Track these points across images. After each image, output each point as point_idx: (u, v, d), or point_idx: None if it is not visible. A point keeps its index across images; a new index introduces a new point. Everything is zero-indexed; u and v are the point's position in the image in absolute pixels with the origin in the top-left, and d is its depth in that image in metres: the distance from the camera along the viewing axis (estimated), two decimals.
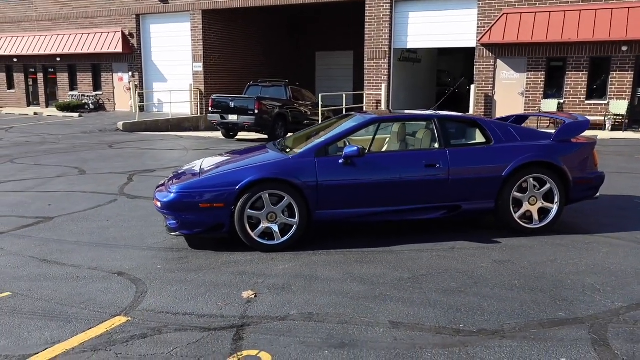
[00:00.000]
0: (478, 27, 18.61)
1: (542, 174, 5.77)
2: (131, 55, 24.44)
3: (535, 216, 5.86)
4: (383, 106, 20.34)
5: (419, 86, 24.90)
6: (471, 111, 18.79)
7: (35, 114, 24.03)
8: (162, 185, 5.90)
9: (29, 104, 27.60)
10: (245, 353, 3.39)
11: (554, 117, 6.70)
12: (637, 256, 5.10)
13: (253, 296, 4.30)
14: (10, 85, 28.13)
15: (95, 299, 4.26)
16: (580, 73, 17.53)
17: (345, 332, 3.65)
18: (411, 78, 23.64)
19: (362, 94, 21.16)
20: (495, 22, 18.10)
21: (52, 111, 24.53)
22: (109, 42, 24.26)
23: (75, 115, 22.95)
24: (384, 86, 20.22)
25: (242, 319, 3.88)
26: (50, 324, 3.82)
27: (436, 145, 5.82)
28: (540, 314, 3.90)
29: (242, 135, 17.84)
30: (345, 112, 19.70)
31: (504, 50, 18.34)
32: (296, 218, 5.41)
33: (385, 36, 20.05)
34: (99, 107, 25.36)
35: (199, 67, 23.27)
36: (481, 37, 18.26)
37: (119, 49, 23.93)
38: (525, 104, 18.37)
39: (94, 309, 4.08)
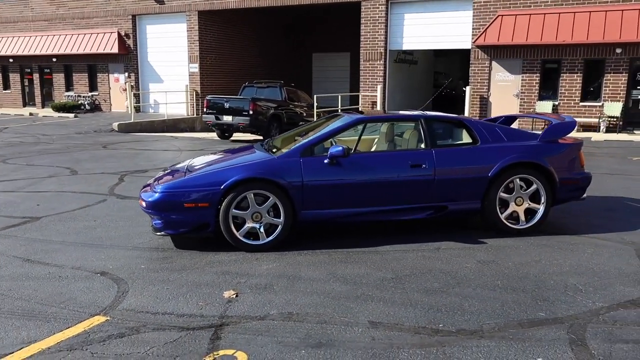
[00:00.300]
0: (473, 28, 18.64)
1: (529, 174, 5.77)
2: (127, 56, 24.43)
3: (522, 217, 5.85)
4: (378, 107, 20.35)
5: (415, 87, 24.92)
6: (466, 113, 18.80)
7: (31, 114, 24.00)
8: (148, 185, 5.88)
9: (24, 105, 27.57)
10: (221, 352, 3.38)
11: (541, 117, 6.71)
12: (622, 257, 5.10)
13: (234, 296, 4.29)
14: (6, 85, 28.10)
15: (75, 299, 4.24)
16: (575, 75, 17.56)
17: (323, 332, 3.64)
18: (407, 79, 23.66)
19: (358, 95, 21.14)
20: (490, 24, 18.12)
21: (48, 111, 24.50)
22: (105, 42, 24.24)
23: (71, 115, 22.92)
24: (379, 87, 20.23)
25: (221, 319, 3.87)
26: (28, 324, 3.80)
27: (422, 146, 5.81)
28: (520, 314, 3.89)
29: (237, 136, 17.83)
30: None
31: (499, 52, 18.36)
32: (281, 218, 5.40)
33: (381, 37, 20.06)
34: (95, 107, 25.33)
35: (195, 68, 23.26)
36: (476, 39, 18.28)
37: (115, 50, 23.92)
38: (520, 105, 18.39)
39: (73, 308, 4.06)
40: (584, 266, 4.86)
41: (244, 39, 25.34)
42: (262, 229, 5.40)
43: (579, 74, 17.49)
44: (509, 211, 5.82)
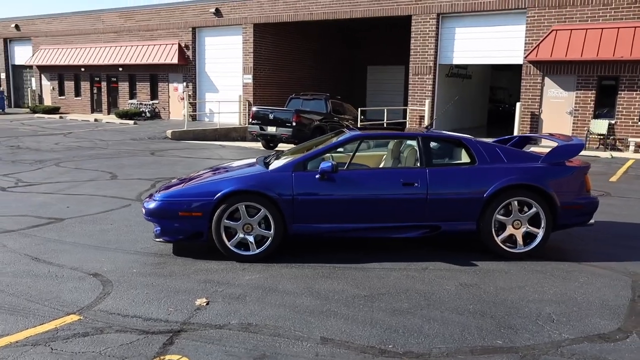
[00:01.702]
0: (526, 43, 18.15)
1: (527, 197, 5.62)
2: (186, 67, 25.46)
3: (520, 240, 5.70)
4: (426, 122, 20.16)
5: (469, 102, 24.49)
6: (516, 130, 18.29)
7: (96, 120, 25.43)
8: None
9: (92, 111, 29.26)
10: (167, 357, 3.54)
11: (549, 138, 6.50)
12: (614, 288, 4.87)
13: (204, 304, 4.45)
14: (77, 92, 29.93)
15: (60, 297, 4.55)
16: (634, 93, 16.72)
17: (271, 345, 3.73)
18: (460, 94, 23.28)
19: (407, 109, 21.03)
20: (543, 39, 17.59)
21: (112, 118, 25.89)
22: (167, 53, 25.38)
23: (131, 122, 24.10)
24: (427, 102, 20.04)
25: (182, 325, 4.04)
26: (9, 318, 4.12)
27: (417, 164, 5.79)
28: (476, 341, 3.82)
29: (282, 146, 18.16)
30: (385, 126, 19.69)
31: (552, 68, 17.77)
32: (272, 230, 5.54)
33: (431, 51, 19.90)
34: (155, 115, 26.52)
35: (249, 79, 23.91)
36: (528, 54, 17.79)
37: (175, 60, 24.98)
38: (573, 123, 17.69)
39: (54, 306, 4.36)
40: (567, 295, 4.69)
41: (298, 51, 25.81)
42: (252, 240, 5.56)
43: (638, 92, 16.64)
44: (505, 234, 5.68)
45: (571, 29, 17.35)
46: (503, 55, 19.14)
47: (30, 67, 32.03)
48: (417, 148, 5.84)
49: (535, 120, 18.32)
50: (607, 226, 7.17)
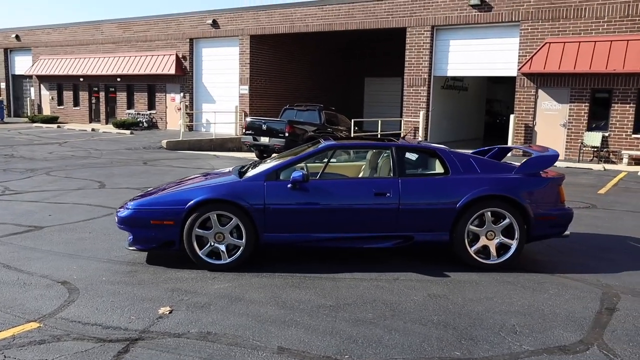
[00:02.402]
0: (519, 56, 18.21)
1: (501, 207, 5.60)
2: (183, 77, 25.59)
3: (494, 251, 5.67)
4: (420, 133, 20.18)
5: (465, 114, 24.53)
6: (510, 142, 18.30)
7: (93, 130, 25.52)
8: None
9: (90, 121, 29.38)
10: None
11: (527, 150, 6.48)
12: (583, 300, 4.83)
13: (167, 312, 4.43)
14: (76, 102, 30.08)
15: (23, 305, 4.53)
16: (627, 105, 16.73)
17: (227, 354, 3.70)
18: (456, 106, 23.33)
19: (402, 121, 21.07)
20: (537, 51, 17.65)
21: (109, 128, 25.98)
22: (164, 64, 25.51)
23: (128, 132, 24.17)
24: (422, 113, 20.07)
25: (141, 333, 4.01)
26: None
27: (390, 174, 5.78)
28: (435, 352, 3.79)
29: (275, 157, 18.17)
30: (380, 137, 19.71)
31: (545, 80, 17.81)
32: (243, 240, 5.52)
33: (425, 64, 19.97)
34: (152, 125, 26.60)
35: (245, 89, 24.01)
36: (521, 66, 17.84)
37: (173, 71, 25.11)
38: (567, 135, 17.70)
39: (16, 313, 4.34)
40: (535, 307, 4.65)
41: (295, 62, 25.92)
42: (224, 249, 5.54)
43: (631, 105, 16.65)
44: (479, 245, 5.66)
45: (564, 42, 17.41)
46: (497, 68, 19.20)
47: (30, 77, 32.23)
48: (390, 158, 5.84)
49: (529, 133, 18.32)
50: (587, 238, 7.14)
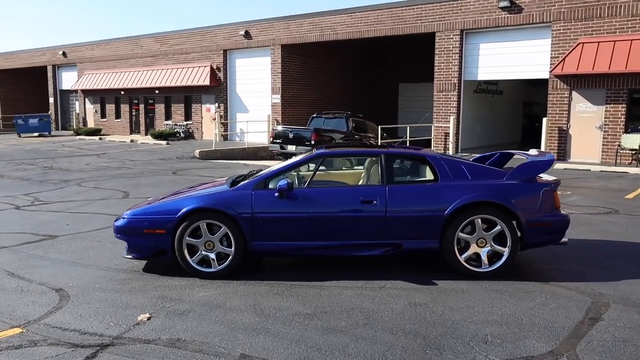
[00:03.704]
0: (552, 57, 17.73)
1: (491, 214, 5.48)
2: (218, 88, 26.13)
3: (485, 259, 5.55)
4: (451, 139, 19.90)
5: (500, 118, 24.03)
6: (543, 146, 17.82)
7: (132, 141, 26.37)
8: None
9: (131, 132, 30.37)
10: None
11: (524, 155, 6.31)
12: (568, 309, 4.67)
13: (146, 319, 4.56)
14: (118, 115, 31.18)
15: (14, 311, 4.75)
16: None
17: None
18: (490, 110, 22.89)
19: (432, 126, 20.84)
20: (569, 52, 17.14)
21: (147, 139, 26.78)
22: (199, 75, 26.14)
23: (164, 143, 24.85)
24: (452, 119, 19.80)
25: (114, 339, 4.15)
26: None
27: (378, 182, 5.76)
28: None
29: None
30: (408, 144, 19.55)
31: (579, 82, 17.26)
32: (232, 248, 5.61)
33: (455, 68, 19.72)
34: (189, 135, 27.26)
35: (277, 98, 24.30)
36: (553, 68, 17.37)
37: (207, 82, 25.70)
38: (603, 138, 17.08)
39: (3, 319, 4.56)
40: (515, 316, 4.53)
41: (326, 70, 26.06)
42: (214, 257, 5.65)
43: None
44: (469, 253, 5.55)
45: (598, 42, 16.84)
46: (529, 70, 18.77)
47: (76, 91, 33.62)
48: (379, 165, 5.81)
49: (563, 136, 17.79)
50: (596, 245, 6.89)
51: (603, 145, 17.08)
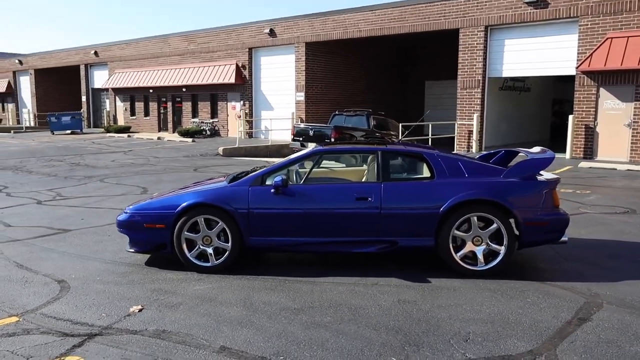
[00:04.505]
0: (578, 53, 17.34)
1: (487, 212, 5.43)
2: (243, 86, 26.39)
3: (481, 258, 5.49)
4: (474, 137, 19.64)
5: (527, 116, 23.61)
6: (568, 144, 17.45)
7: (159, 138, 26.85)
8: None
9: (159, 130, 30.92)
10: (65, 358, 3.78)
11: (525, 152, 6.19)
12: (559, 308, 4.60)
13: (137, 311, 4.68)
14: (147, 112, 31.79)
15: (15, 300, 4.94)
16: None
17: (169, 351, 3.88)
18: (516, 108, 22.51)
19: (456, 124, 20.61)
20: (597, 48, 16.72)
21: (174, 136, 27.23)
22: (225, 73, 26.44)
23: (190, 140, 25.23)
24: (475, 116, 19.55)
25: (102, 329, 4.28)
26: None
27: (373, 179, 5.76)
28: (372, 357, 3.77)
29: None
30: (430, 142, 19.38)
31: (607, 78, 16.82)
32: (229, 243, 5.70)
33: (479, 65, 19.46)
34: (215, 133, 27.60)
35: (301, 96, 24.40)
36: (580, 64, 16.97)
37: (233, 80, 25.97)
38: (632, 136, 16.61)
39: (4, 308, 4.74)
40: (502, 315, 4.49)
41: (350, 67, 26.03)
42: (211, 252, 5.75)
43: None
44: (465, 251, 5.50)
45: (628, 36, 16.38)
46: (555, 67, 18.39)
47: (107, 89, 34.42)
48: (375, 162, 5.82)
49: (590, 134, 17.37)
50: (604, 244, 6.74)
51: (632, 143, 16.62)
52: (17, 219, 8.75)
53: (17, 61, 41.51)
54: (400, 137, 18.40)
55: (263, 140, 24.23)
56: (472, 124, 19.71)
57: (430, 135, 19.70)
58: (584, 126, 17.45)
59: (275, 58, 25.44)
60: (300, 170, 6.35)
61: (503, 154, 6.81)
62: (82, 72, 36.27)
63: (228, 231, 5.68)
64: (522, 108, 23.08)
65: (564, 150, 17.85)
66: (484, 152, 6.98)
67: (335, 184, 5.99)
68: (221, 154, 20.60)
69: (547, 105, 25.77)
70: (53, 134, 30.74)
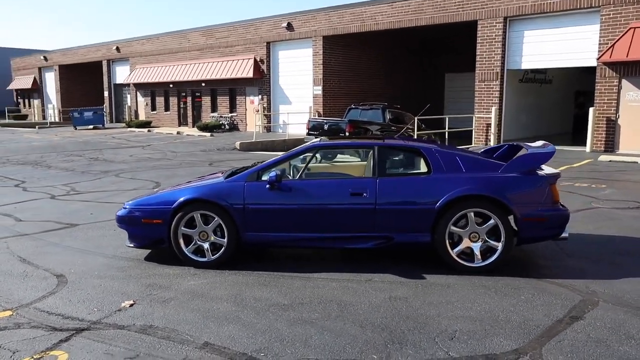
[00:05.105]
0: (600, 44, 16.91)
1: (484, 208, 5.32)
2: (261, 80, 26.44)
3: (478, 254, 5.40)
4: (492, 130, 19.35)
5: (547, 108, 23.15)
6: (589, 137, 17.07)
7: (178, 133, 27.11)
8: None
9: (179, 124, 31.22)
10: (51, 353, 3.84)
11: (526, 146, 6.04)
12: (552, 306, 4.49)
13: (129, 305, 4.72)
14: (167, 107, 32.11)
15: (12, 294, 5.03)
16: None
17: (153, 346, 3.90)
18: (537, 100, 22.09)
19: (474, 117, 20.32)
20: (619, 38, 16.29)
21: (193, 130, 27.46)
22: (243, 68, 26.53)
23: (208, 134, 25.41)
24: (494, 109, 19.25)
25: (91, 324, 4.33)
26: None
27: (370, 174, 5.70)
28: (353, 354, 3.73)
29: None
30: (447, 136, 19.16)
31: (630, 69, 16.38)
32: (225, 238, 5.72)
33: (497, 57, 19.13)
34: (233, 127, 27.75)
35: (319, 90, 24.35)
36: (601, 55, 16.56)
37: (251, 74, 26.05)
38: None
39: (0, 302, 4.83)
40: (492, 313, 4.40)
41: (368, 61, 25.85)
42: (208, 247, 5.77)
43: None
44: (462, 247, 5.41)
45: None
46: (576, 58, 17.97)
47: (128, 85, 34.86)
48: (372, 157, 5.76)
49: (611, 127, 16.96)
50: (612, 241, 6.56)
51: None
52: (29, 213, 8.92)
53: (42, 57, 42.33)
54: (415, 131, 18.21)
55: (280, 135, 24.25)
56: (490, 117, 19.41)
57: (446, 129, 19.46)
58: (605, 119, 17.04)
59: (292, 52, 25.42)
60: (299, 165, 6.32)
61: (506, 148, 6.67)
62: (105, 68, 36.80)
63: (224, 226, 5.69)
64: (543, 100, 22.64)
65: (585, 143, 17.47)
66: (488, 147, 6.84)
67: (330, 180, 5.96)
68: (238, 148, 20.69)
69: (569, 97, 25.22)
70: (76, 129, 31.29)
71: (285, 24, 25.05)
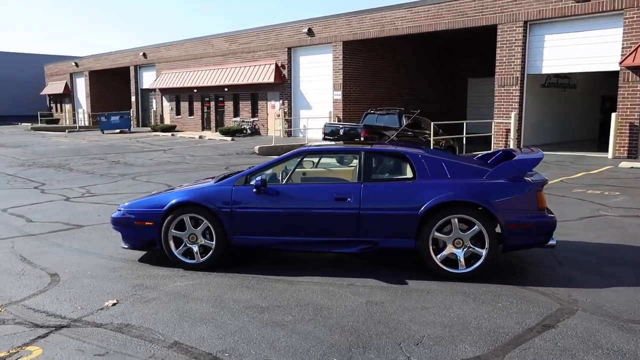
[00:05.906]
0: (623, 47, 16.56)
1: (468, 214, 5.30)
2: (282, 85, 26.66)
3: (462, 261, 5.37)
4: (512, 135, 19.09)
5: (572, 114, 22.71)
6: (611, 142, 16.71)
7: (200, 137, 27.50)
8: None
9: (203, 129, 31.68)
10: (27, 348, 3.98)
11: (513, 152, 5.97)
12: (527, 314, 4.44)
13: (111, 305, 4.86)
14: (191, 112, 32.63)
15: (4, 292, 5.23)
16: None
17: (123, 344, 4.02)
18: (560, 105, 21.70)
19: (493, 123, 20.09)
20: None
21: (215, 135, 27.83)
22: (265, 73, 26.80)
23: (229, 139, 25.71)
24: (513, 114, 19.00)
25: (71, 322, 4.47)
26: None
27: (354, 179, 5.73)
28: (316, 357, 3.77)
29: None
30: (465, 140, 18.98)
31: None
32: (214, 241, 5.82)
33: (517, 61, 18.90)
34: (255, 132, 28.03)
35: (339, 95, 24.42)
36: (624, 59, 16.21)
37: (272, 80, 26.29)
38: None
39: None
40: (465, 319, 4.38)
41: (388, 66, 25.81)
42: (197, 250, 5.88)
43: None
44: (445, 253, 5.40)
45: None
46: (598, 62, 17.63)
47: (154, 90, 35.55)
48: (358, 163, 5.79)
49: (635, 132, 16.57)
50: (610, 249, 6.44)
51: None
52: (40, 214, 9.21)
53: (73, 63, 43.53)
54: (432, 136, 18.10)
55: (300, 139, 24.39)
56: (510, 122, 19.16)
57: (464, 134, 19.28)
58: (628, 124, 16.65)
59: (313, 57, 25.58)
60: (288, 170, 6.39)
61: (501, 154, 6.61)
62: (132, 73, 37.63)
63: (212, 230, 5.80)
64: (567, 105, 22.23)
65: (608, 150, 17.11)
66: (484, 152, 6.80)
67: (315, 184, 6.00)
68: (257, 152, 20.88)
69: (596, 102, 24.68)
70: (103, 133, 32.04)
71: (306, 30, 25.22)
